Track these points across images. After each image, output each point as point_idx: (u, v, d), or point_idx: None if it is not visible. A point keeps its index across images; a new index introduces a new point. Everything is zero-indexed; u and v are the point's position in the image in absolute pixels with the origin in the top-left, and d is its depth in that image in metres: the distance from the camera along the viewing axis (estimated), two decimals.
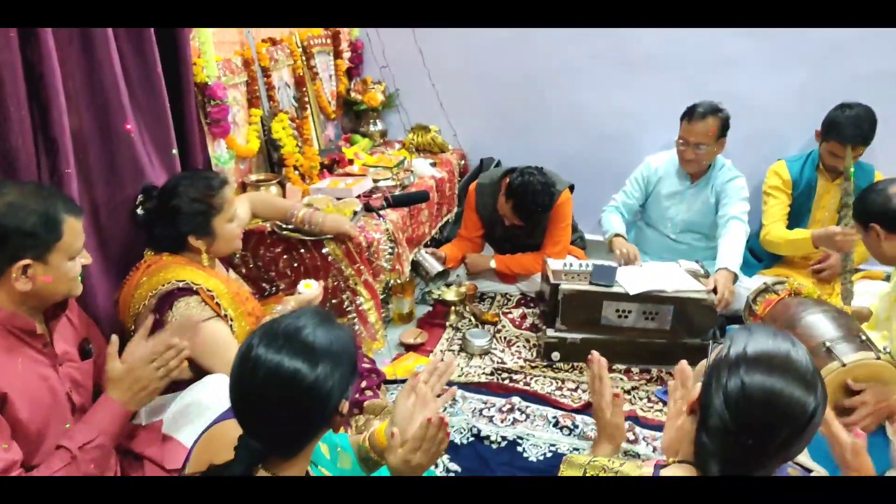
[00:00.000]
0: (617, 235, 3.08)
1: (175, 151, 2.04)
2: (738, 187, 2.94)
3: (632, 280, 2.65)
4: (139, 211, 1.86)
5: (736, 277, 2.73)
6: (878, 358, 1.86)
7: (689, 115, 2.90)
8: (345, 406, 1.13)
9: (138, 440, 1.62)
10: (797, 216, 2.97)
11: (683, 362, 1.45)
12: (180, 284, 1.77)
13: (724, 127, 2.91)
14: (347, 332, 1.18)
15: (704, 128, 2.86)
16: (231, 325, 1.84)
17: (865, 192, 2.03)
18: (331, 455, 1.39)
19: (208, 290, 1.80)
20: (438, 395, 1.41)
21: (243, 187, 2.68)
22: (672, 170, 3.09)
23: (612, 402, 1.47)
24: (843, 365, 1.87)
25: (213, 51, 2.34)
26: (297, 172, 2.89)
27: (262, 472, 1.10)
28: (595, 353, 1.62)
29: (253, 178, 2.74)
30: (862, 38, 2.96)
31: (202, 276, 1.84)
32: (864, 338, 1.96)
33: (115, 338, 1.54)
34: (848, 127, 2.72)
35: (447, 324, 3.04)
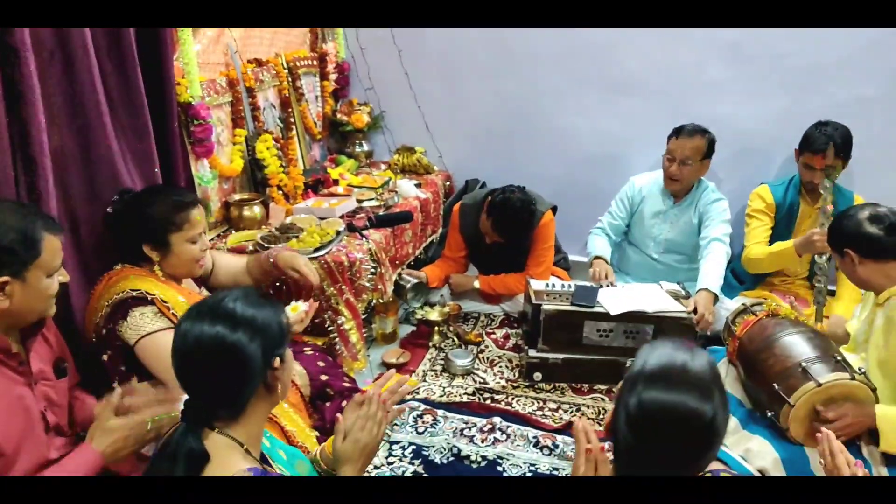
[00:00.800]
0: (597, 258, 3.10)
1: (157, 170, 2.05)
2: (721, 209, 2.98)
3: (613, 301, 2.67)
4: (108, 209, 1.86)
5: (716, 298, 2.75)
6: (853, 378, 1.88)
7: (678, 132, 2.96)
8: (276, 361, 1.23)
9: (126, 464, 1.60)
10: (779, 239, 2.97)
11: (577, 423, 1.40)
12: (134, 293, 1.77)
13: (710, 148, 2.96)
14: (272, 304, 1.28)
15: (692, 144, 2.91)
16: None
17: (839, 219, 2.06)
18: (288, 459, 1.43)
19: (163, 301, 1.79)
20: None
21: (226, 206, 2.69)
22: (656, 189, 3.13)
23: (600, 458, 1.35)
24: (819, 385, 1.88)
25: (198, 71, 2.36)
26: (280, 192, 2.90)
27: (214, 434, 1.19)
28: (577, 422, 1.54)
29: (236, 197, 2.75)
30: (840, 64, 3.02)
31: (159, 286, 1.84)
32: (839, 358, 1.98)
33: (117, 389, 1.52)
34: (819, 137, 2.77)
35: (430, 344, 3.04)
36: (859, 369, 1.99)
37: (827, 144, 2.74)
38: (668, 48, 3.23)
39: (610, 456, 1.25)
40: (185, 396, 1.23)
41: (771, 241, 2.97)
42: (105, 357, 1.82)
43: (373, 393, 1.41)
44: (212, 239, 2.57)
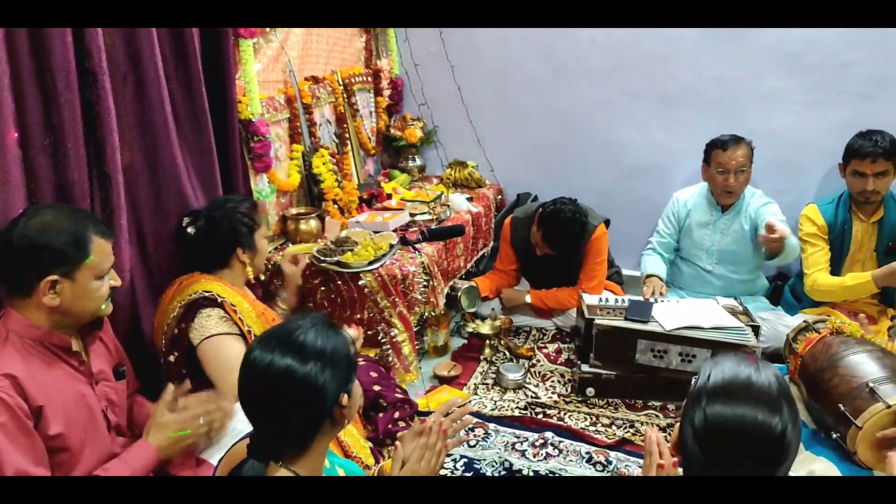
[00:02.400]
0: (650, 276, 3.05)
1: (219, 186, 2.12)
2: (773, 211, 2.91)
3: (668, 317, 2.62)
4: (190, 230, 1.94)
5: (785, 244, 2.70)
6: None
7: (722, 144, 2.91)
8: (345, 398, 1.21)
9: (173, 463, 1.67)
10: (835, 260, 2.87)
11: (649, 433, 1.39)
12: (206, 294, 1.85)
13: (752, 153, 2.94)
14: (342, 335, 1.26)
15: (742, 152, 2.88)
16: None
17: None
18: (346, 476, 1.43)
19: (232, 305, 1.87)
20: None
21: (283, 220, 2.76)
22: (702, 201, 3.08)
23: (672, 473, 1.32)
24: (888, 406, 1.82)
25: (258, 89, 2.44)
26: (336, 206, 2.96)
27: (280, 469, 1.17)
28: (648, 431, 1.53)
29: (293, 211, 2.82)
30: None
31: (228, 291, 1.92)
32: None
33: (170, 386, 1.59)
34: (866, 143, 2.66)
35: (482, 357, 3.04)
36: None
37: (876, 147, 2.63)
38: (723, 59, 3.18)
39: (681, 471, 1.23)
40: (236, 404, 1.26)
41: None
42: (172, 358, 1.89)
43: (433, 422, 1.39)
44: (270, 252, 2.64)
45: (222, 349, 1.81)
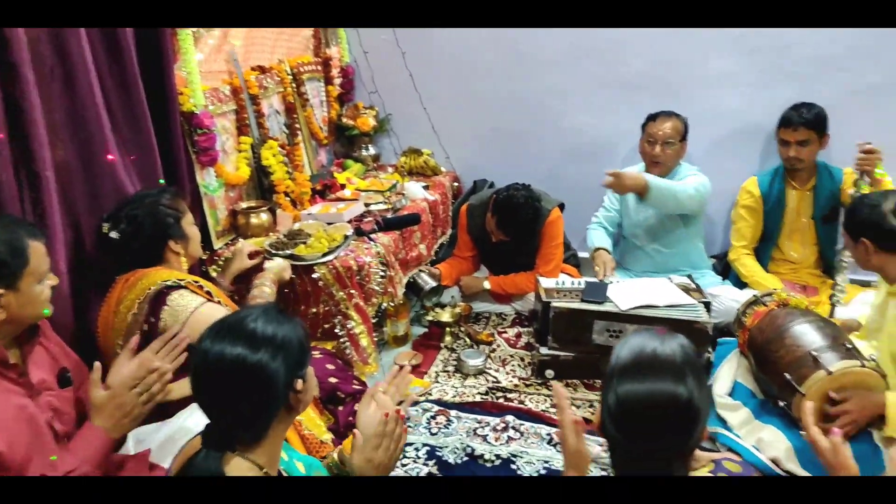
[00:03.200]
0: (598, 249, 3.08)
1: (162, 181, 2.07)
2: (693, 175, 2.96)
3: (623, 296, 2.65)
4: (113, 234, 1.86)
5: (646, 185, 2.75)
6: (863, 366, 1.86)
7: (653, 117, 2.99)
8: (299, 384, 1.21)
9: (126, 470, 1.63)
10: (774, 229, 3.01)
11: (556, 386, 1.48)
12: (168, 283, 1.80)
13: (686, 130, 2.98)
14: (293, 321, 1.25)
15: (670, 124, 2.94)
16: None
17: (860, 206, 2.01)
18: (306, 471, 1.42)
19: (195, 282, 1.85)
20: (400, 403, 1.45)
21: (233, 214, 2.71)
22: None
23: (574, 428, 1.41)
24: (829, 373, 1.87)
25: (200, 80, 2.38)
26: (287, 199, 2.92)
27: (236, 458, 1.16)
28: (554, 383, 1.63)
29: (243, 205, 2.76)
30: (846, 54, 3.00)
31: (184, 275, 1.89)
32: (849, 346, 1.96)
33: (97, 365, 1.55)
34: (792, 114, 2.86)
35: (442, 345, 3.04)
36: (870, 357, 1.97)
37: (800, 117, 2.82)
38: (674, 44, 3.22)
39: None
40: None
41: (763, 232, 3.02)
42: None
43: (383, 391, 1.40)
44: (220, 248, 2.60)
45: (216, 314, 1.76)
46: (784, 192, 2.97)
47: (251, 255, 2.42)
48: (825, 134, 2.87)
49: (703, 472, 1.32)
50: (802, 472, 1.90)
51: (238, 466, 1.16)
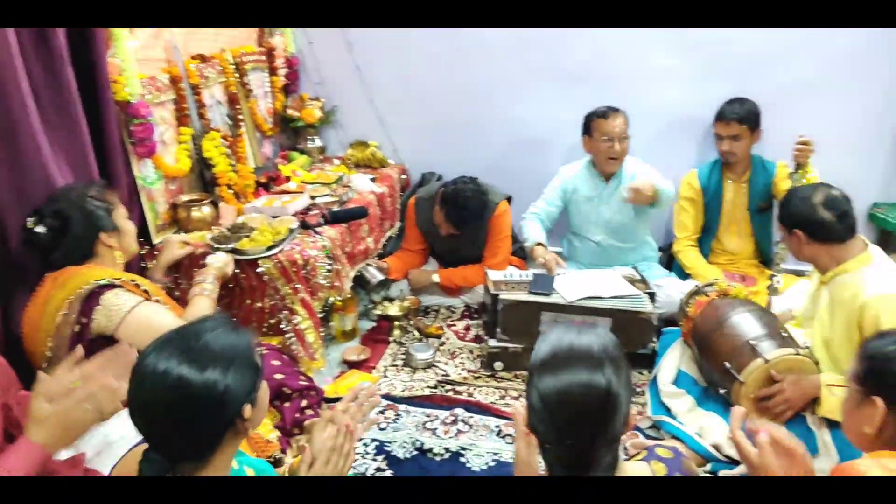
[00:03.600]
0: (538, 244, 3.09)
1: (94, 171, 1.99)
2: (646, 171, 3.03)
3: (569, 288, 2.68)
4: (39, 230, 1.76)
5: (657, 195, 2.84)
6: (798, 353, 1.92)
7: (602, 114, 2.99)
8: (247, 410, 1.12)
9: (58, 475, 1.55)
10: (709, 218, 3.12)
11: (516, 406, 1.48)
12: (102, 282, 1.72)
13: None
14: (246, 336, 1.17)
15: (622, 120, 2.97)
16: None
17: (791, 198, 2.07)
18: (256, 476, 1.37)
19: (132, 281, 1.78)
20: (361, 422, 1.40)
21: (174, 208, 2.62)
22: (586, 174, 3.15)
23: (527, 440, 1.38)
24: (766, 361, 1.93)
25: (136, 68, 2.29)
26: (230, 191, 2.84)
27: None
28: (513, 404, 1.62)
29: (184, 198, 2.68)
30: (779, 51, 3.10)
31: (119, 273, 1.82)
32: (785, 335, 2.03)
33: (42, 375, 1.45)
34: (725, 108, 2.98)
35: (391, 339, 3.02)
36: (804, 344, 2.04)
37: (732, 113, 2.92)
38: (617, 37, 3.26)
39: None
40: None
41: (703, 224, 3.12)
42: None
43: (341, 421, 1.33)
44: (160, 242, 2.51)
45: (153, 315, 1.71)
46: (722, 184, 3.07)
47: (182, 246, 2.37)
48: (758, 128, 2.97)
49: (637, 459, 1.35)
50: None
51: None
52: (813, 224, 1.97)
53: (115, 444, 1.59)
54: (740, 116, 2.92)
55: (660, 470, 1.28)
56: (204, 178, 2.84)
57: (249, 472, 1.36)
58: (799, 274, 2.93)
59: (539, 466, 1.40)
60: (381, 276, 3.06)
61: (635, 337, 2.62)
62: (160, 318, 1.75)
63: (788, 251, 2.19)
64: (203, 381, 1.06)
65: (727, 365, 2.01)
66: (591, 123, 3.02)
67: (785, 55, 3.11)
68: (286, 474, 1.44)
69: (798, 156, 2.54)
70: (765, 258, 3.10)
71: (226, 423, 1.10)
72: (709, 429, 2.08)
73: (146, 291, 1.79)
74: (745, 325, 2.10)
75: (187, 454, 1.10)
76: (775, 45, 3.09)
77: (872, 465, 1.13)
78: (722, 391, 2.08)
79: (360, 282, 3.04)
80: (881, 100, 3.11)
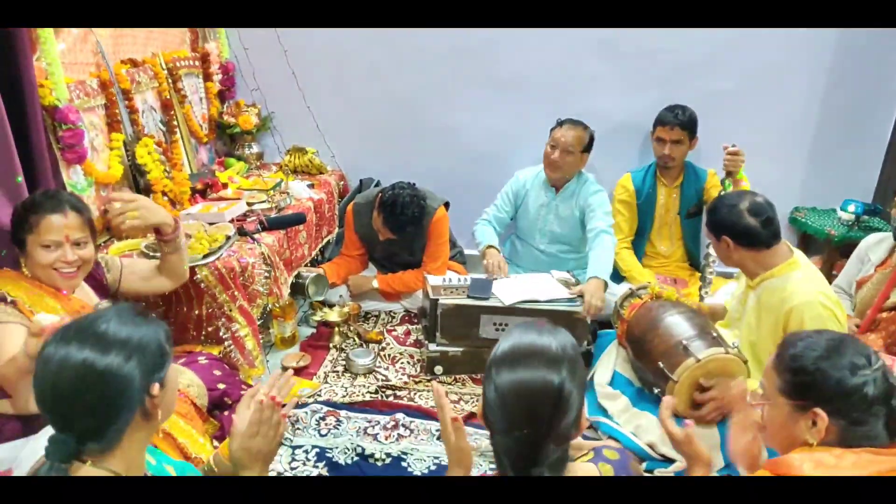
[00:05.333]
0: (489, 247, 3.15)
1: (20, 179, 1.91)
2: (601, 201, 3.10)
3: (507, 291, 2.73)
4: None
5: (606, 285, 2.86)
6: (727, 352, 2.02)
7: (561, 123, 3.08)
8: (155, 388, 1.14)
9: None
10: (646, 222, 3.25)
11: (436, 386, 1.54)
12: None
13: (590, 142, 3.09)
14: (151, 323, 1.19)
15: (575, 133, 3.03)
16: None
17: (719, 206, 2.12)
18: (177, 475, 1.36)
19: (29, 306, 1.71)
20: (283, 405, 1.41)
21: (105, 215, 2.54)
22: (538, 183, 3.23)
23: (454, 426, 1.43)
24: (698, 360, 2.01)
25: (63, 72, 2.21)
26: (165, 198, 2.78)
27: (85, 468, 1.09)
28: (433, 384, 1.74)
29: (117, 205, 2.59)
30: (705, 61, 3.26)
31: (27, 290, 1.76)
32: (715, 335, 2.12)
33: None
34: (668, 114, 3.10)
35: (331, 345, 3.01)
36: (733, 343, 2.14)
37: (675, 118, 3.05)
38: (548, 46, 3.35)
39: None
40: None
41: (637, 227, 3.25)
42: None
43: (264, 395, 1.35)
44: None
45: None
46: (655, 188, 3.19)
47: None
48: (695, 136, 3.11)
49: (584, 460, 1.39)
50: (675, 455, 2.04)
51: (89, 474, 1.09)
52: (740, 230, 2.03)
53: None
54: (683, 122, 3.06)
55: (607, 471, 1.33)
56: (137, 184, 2.76)
57: (169, 469, 1.35)
58: (727, 276, 3.07)
59: (473, 453, 1.47)
60: (313, 273, 3.04)
61: (571, 334, 2.68)
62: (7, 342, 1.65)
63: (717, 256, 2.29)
64: (106, 363, 1.08)
65: (661, 365, 2.09)
66: (553, 128, 3.10)
67: (708, 64, 3.27)
68: (210, 462, 1.42)
69: (728, 164, 2.63)
70: (694, 262, 3.24)
71: (133, 403, 1.12)
72: (644, 428, 2.15)
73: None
74: (678, 326, 2.18)
75: (95, 436, 1.10)
76: (699, 54, 3.25)
77: (805, 458, 1.19)
78: (656, 391, 2.16)
79: (297, 288, 3.01)
80: (799, 107, 3.31)
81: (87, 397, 1.08)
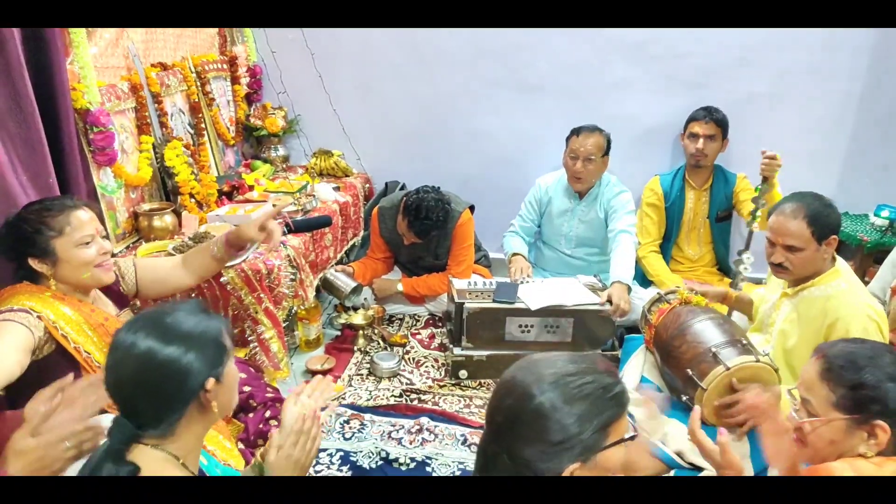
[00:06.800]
0: (515, 254, 3.15)
1: (52, 180, 1.93)
2: (624, 201, 3.08)
3: (533, 296, 2.71)
4: None
5: (629, 289, 2.83)
6: (758, 360, 1.97)
7: (577, 132, 3.05)
8: (210, 382, 1.18)
9: None
10: (670, 225, 3.22)
11: None
12: (15, 307, 1.62)
13: (608, 145, 3.07)
14: (214, 319, 1.23)
15: (593, 140, 3.01)
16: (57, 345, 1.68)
17: (821, 205, 2.00)
18: None
19: (52, 320, 1.66)
20: (323, 409, 1.43)
21: (135, 217, 2.58)
22: (560, 189, 3.21)
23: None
24: (728, 368, 1.97)
25: (95, 75, 2.25)
26: (193, 200, 2.80)
27: (140, 448, 1.15)
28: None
29: (146, 207, 2.63)
30: (732, 65, 3.22)
31: (49, 302, 1.69)
32: (745, 342, 2.07)
33: (31, 407, 1.38)
34: (701, 111, 3.09)
35: (355, 348, 3.01)
36: (763, 351, 2.09)
37: (709, 114, 3.04)
38: (576, 49, 3.33)
39: None
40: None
41: (665, 229, 3.21)
42: None
43: (307, 406, 1.36)
44: (121, 251, 2.46)
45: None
46: (684, 191, 3.15)
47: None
48: (726, 137, 3.07)
49: None
50: (705, 464, 1.99)
51: (150, 456, 1.14)
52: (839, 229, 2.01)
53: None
54: (716, 119, 3.05)
55: None
56: (165, 186, 2.79)
57: (219, 473, 1.36)
58: (757, 282, 3.02)
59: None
60: (353, 283, 3.04)
61: (596, 333, 2.70)
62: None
63: (751, 262, 2.24)
64: (167, 353, 1.14)
65: (689, 372, 2.05)
66: (568, 138, 3.08)
67: (738, 67, 3.22)
68: (259, 460, 1.43)
69: (765, 169, 2.58)
70: (723, 266, 3.18)
71: (188, 395, 1.17)
72: (672, 436, 2.11)
73: (64, 336, 1.66)
74: (707, 332, 2.14)
75: (153, 422, 1.16)
76: (729, 57, 3.20)
77: (847, 468, 1.18)
78: (685, 398, 2.12)
79: (331, 290, 3.02)
80: (836, 111, 3.24)
81: (146, 385, 1.14)
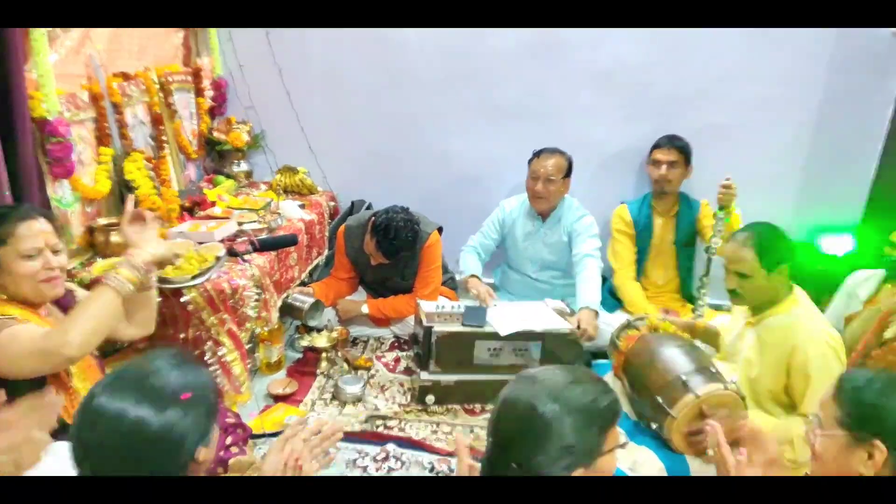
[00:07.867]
0: (472, 276, 3.13)
1: (7, 193, 1.83)
2: (586, 225, 3.11)
3: (502, 320, 2.69)
4: None
5: (597, 314, 2.83)
6: (727, 388, 1.99)
7: (538, 153, 3.09)
8: (201, 453, 1.08)
9: None
10: (642, 252, 3.25)
11: (458, 437, 1.57)
12: None
13: (569, 167, 3.11)
14: (205, 374, 1.13)
15: (553, 161, 3.04)
16: None
17: (778, 234, 2.11)
18: None
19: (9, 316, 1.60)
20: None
21: (90, 232, 2.47)
22: (523, 212, 3.23)
23: (469, 471, 1.40)
24: (697, 396, 1.97)
25: (54, 83, 2.15)
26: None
27: None
28: (457, 436, 1.84)
29: (102, 221, 2.52)
30: (694, 96, 3.28)
31: (4, 307, 1.63)
32: (713, 370, 2.09)
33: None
34: (664, 138, 3.15)
35: (318, 371, 2.93)
36: (731, 380, 2.11)
37: (671, 142, 3.10)
38: (545, 75, 3.36)
39: None
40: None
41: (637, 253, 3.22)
42: None
43: (296, 451, 1.31)
44: (75, 268, 2.35)
45: (20, 334, 1.53)
46: (651, 218, 3.19)
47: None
48: (689, 164, 3.12)
49: None
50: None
51: None
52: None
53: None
54: (678, 146, 3.10)
55: None
56: (124, 200, 2.68)
57: None
58: (718, 308, 3.06)
59: None
60: (311, 300, 2.98)
61: (565, 358, 2.68)
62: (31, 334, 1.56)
63: (707, 286, 2.26)
64: (162, 423, 1.01)
65: (659, 399, 2.05)
66: (530, 160, 3.10)
67: (701, 98, 3.27)
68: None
69: (722, 198, 2.66)
70: (687, 292, 3.22)
71: (179, 466, 1.06)
72: (640, 462, 2.10)
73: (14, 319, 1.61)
74: (676, 360, 2.15)
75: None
76: (691, 88, 3.26)
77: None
78: (653, 426, 2.12)
79: (291, 311, 2.95)
80: (789, 141, 3.30)
81: (136, 462, 1.02)
